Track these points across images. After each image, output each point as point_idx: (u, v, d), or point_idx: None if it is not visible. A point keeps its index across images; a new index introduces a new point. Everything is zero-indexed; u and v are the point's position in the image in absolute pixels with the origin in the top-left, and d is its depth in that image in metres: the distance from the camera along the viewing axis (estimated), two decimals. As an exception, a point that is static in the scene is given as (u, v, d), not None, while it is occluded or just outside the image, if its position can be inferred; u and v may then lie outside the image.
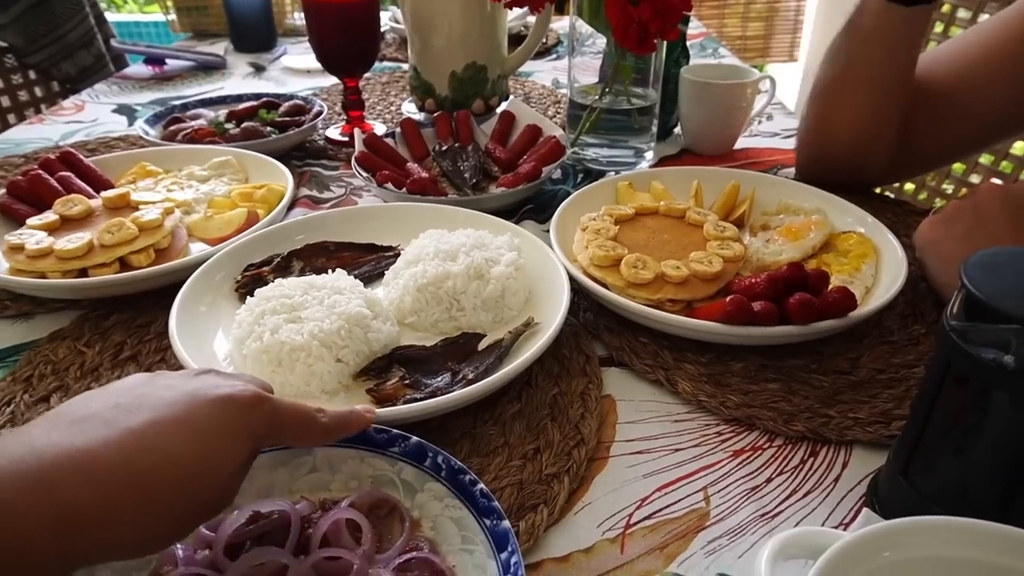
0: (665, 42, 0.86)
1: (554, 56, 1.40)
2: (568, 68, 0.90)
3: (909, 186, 1.26)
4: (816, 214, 0.68)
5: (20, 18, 1.37)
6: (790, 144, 0.97)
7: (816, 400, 0.51)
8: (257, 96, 1.04)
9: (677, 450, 0.49)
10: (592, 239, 0.61)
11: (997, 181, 1.08)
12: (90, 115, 1.13)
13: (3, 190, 0.74)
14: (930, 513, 0.38)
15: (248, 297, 0.56)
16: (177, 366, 0.52)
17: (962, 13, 1.17)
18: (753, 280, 0.55)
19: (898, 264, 0.60)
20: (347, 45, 0.92)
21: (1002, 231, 0.55)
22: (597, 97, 0.87)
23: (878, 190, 0.85)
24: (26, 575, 0.27)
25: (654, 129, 0.90)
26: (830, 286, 0.55)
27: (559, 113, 1.10)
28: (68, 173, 0.76)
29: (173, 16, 1.55)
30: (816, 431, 0.49)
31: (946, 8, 1.19)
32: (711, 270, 0.58)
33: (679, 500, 0.45)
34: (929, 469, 0.40)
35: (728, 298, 0.52)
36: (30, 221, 0.68)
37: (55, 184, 0.74)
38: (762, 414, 0.50)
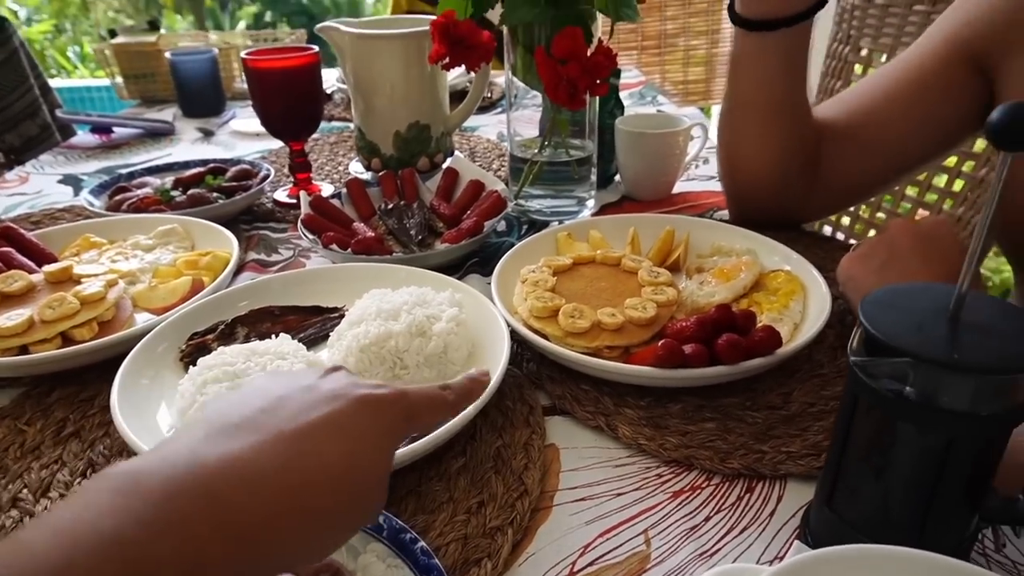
0: (597, 96, 0.90)
1: (499, 110, 1.44)
2: (507, 123, 0.93)
3: (845, 219, 1.32)
4: (747, 254, 0.72)
5: (-38, 92, 1.37)
6: (725, 186, 1.01)
7: (751, 437, 0.53)
8: (205, 162, 1.05)
9: (619, 494, 0.50)
10: (531, 291, 0.63)
11: (924, 213, 1.14)
12: (34, 186, 1.13)
13: (-59, 269, 0.73)
14: (855, 541, 0.39)
15: (191, 367, 0.56)
16: (121, 441, 0.52)
17: (880, 58, 1.25)
18: (684, 324, 0.57)
19: (823, 299, 0.63)
20: (290, 110, 0.94)
21: (913, 265, 0.58)
22: (537, 150, 0.91)
23: (819, 226, 0.89)
24: None
25: (593, 178, 0.93)
26: (758, 325, 0.58)
27: (504, 166, 1.13)
28: (9, 249, 0.76)
29: (120, 81, 1.57)
30: (751, 467, 0.51)
31: (864, 52, 1.27)
32: (645, 316, 0.60)
33: (621, 544, 0.46)
34: (851, 498, 0.42)
35: (660, 343, 0.54)
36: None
37: (-6, 261, 0.74)
38: (699, 454, 0.52)
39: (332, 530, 0.31)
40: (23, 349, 0.63)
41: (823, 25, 1.34)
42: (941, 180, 1.12)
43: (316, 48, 0.94)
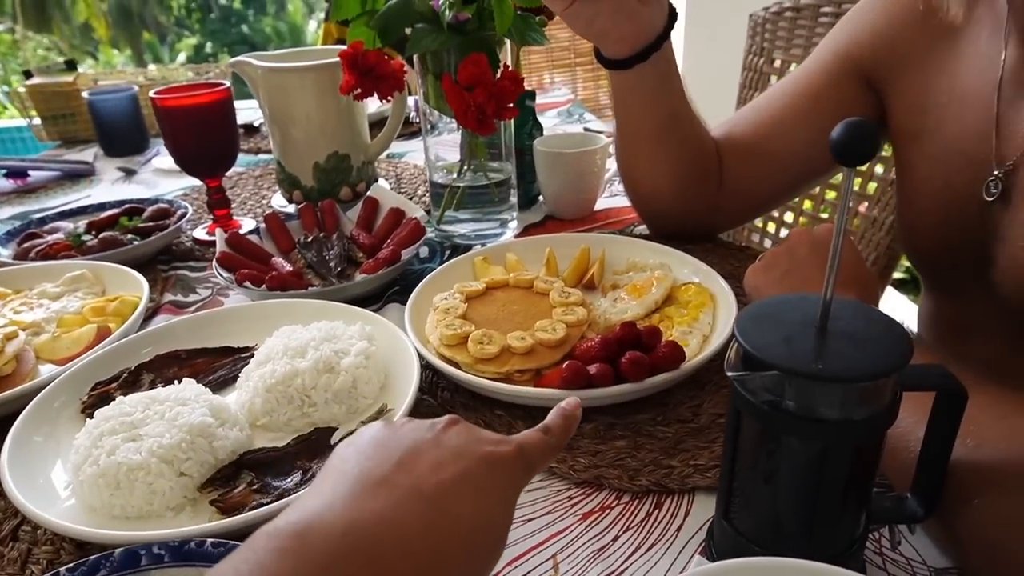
0: (512, 119, 0.91)
1: (428, 134, 1.44)
2: (424, 148, 0.93)
3: (771, 224, 1.35)
4: (659, 269, 0.73)
5: None
6: (647, 201, 1.03)
7: (660, 452, 0.54)
8: (122, 203, 1.03)
9: (529, 520, 0.50)
10: (441, 319, 0.63)
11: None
12: (-59, 238, 1.09)
13: None
14: (750, 553, 0.40)
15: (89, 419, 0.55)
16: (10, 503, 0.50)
17: (793, 68, 1.29)
18: (589, 344, 0.57)
19: (732, 310, 0.65)
20: (203, 147, 0.93)
21: (812, 273, 0.59)
22: (456, 175, 0.91)
23: (748, 233, 0.91)
24: None
25: (514, 200, 0.94)
26: (665, 339, 0.58)
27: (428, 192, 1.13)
28: (-96, 306, 0.73)
29: (38, 121, 1.52)
30: (659, 482, 0.51)
31: (778, 63, 1.31)
32: (555, 337, 0.60)
33: (529, 571, 0.46)
34: (745, 510, 0.43)
35: (564, 364, 0.54)
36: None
37: None
38: (609, 473, 0.52)
39: None
40: (-86, 411, 0.60)
41: (738, 37, 1.39)
42: (855, 183, 1.16)
43: (227, 83, 0.93)
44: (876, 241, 1.10)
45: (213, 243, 0.97)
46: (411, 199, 1.06)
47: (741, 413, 0.40)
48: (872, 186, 1.11)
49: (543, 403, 0.57)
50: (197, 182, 1.23)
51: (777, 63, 1.30)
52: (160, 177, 1.30)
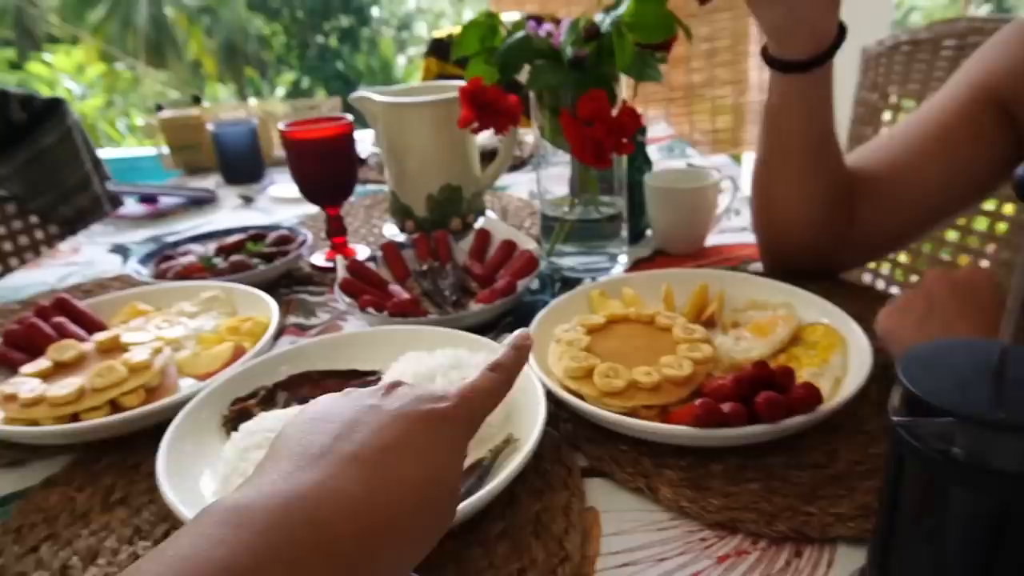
0: (628, 154, 0.91)
1: (529, 168, 1.47)
2: (537, 182, 0.95)
3: (885, 265, 1.30)
4: (783, 308, 0.71)
5: (21, 169, 1.44)
6: (758, 238, 1.01)
7: (796, 498, 0.52)
8: (245, 229, 1.09)
9: (661, 560, 0.49)
10: (565, 351, 0.64)
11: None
12: (85, 256, 1.18)
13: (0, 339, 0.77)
14: (910, 610, 0.38)
15: (234, 432, 0.57)
16: (166, 508, 0.53)
17: (909, 103, 1.25)
18: (721, 382, 0.57)
19: (864, 352, 0.62)
20: (326, 178, 0.98)
21: (953, 318, 0.57)
22: (568, 209, 0.92)
23: (859, 274, 0.88)
24: None
25: (624, 234, 0.94)
26: (797, 381, 0.57)
27: (535, 224, 1.14)
28: (62, 319, 0.79)
29: (166, 150, 1.64)
30: (798, 530, 0.50)
31: (893, 99, 1.27)
32: (682, 374, 0.59)
33: (666, 613, 0.45)
34: (904, 564, 0.41)
35: (698, 402, 0.54)
36: (23, 369, 0.70)
37: (49, 331, 0.76)
38: (744, 516, 0.51)
39: (416, 543, 0.33)
40: (74, 417, 0.65)
41: (849, 71, 1.36)
42: (982, 223, 1.10)
43: (350, 117, 0.98)
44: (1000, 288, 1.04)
45: (329, 269, 1.01)
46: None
47: (903, 462, 0.38)
48: (1002, 226, 1.06)
49: (672, 440, 0.56)
50: (311, 210, 1.30)
51: (893, 98, 1.26)
52: (276, 205, 1.37)
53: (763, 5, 0.70)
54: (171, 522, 0.55)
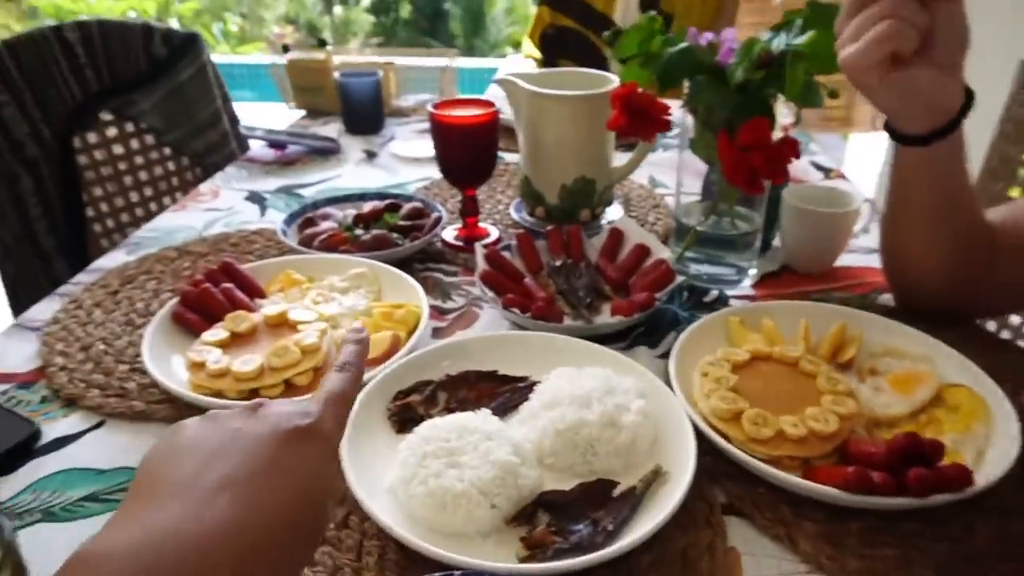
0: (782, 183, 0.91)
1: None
2: (676, 186, 0.96)
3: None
4: (923, 362, 0.72)
5: (160, 102, 1.51)
6: (887, 263, 1.01)
7: (935, 572, 0.55)
8: (379, 195, 1.14)
9: (801, 613, 0.53)
10: (713, 388, 0.67)
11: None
12: (225, 202, 1.25)
13: (177, 299, 0.84)
14: None
15: (401, 428, 0.66)
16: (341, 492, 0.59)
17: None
18: (872, 450, 0.59)
19: (1008, 424, 0.63)
20: (469, 162, 1.01)
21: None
22: (703, 218, 0.93)
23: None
24: None
25: (757, 247, 0.95)
26: (945, 455, 0.59)
27: (659, 219, 1.15)
28: (230, 285, 0.85)
29: (290, 90, 1.68)
30: (936, 604, 0.53)
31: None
32: (828, 429, 0.62)
33: (807, 668, 0.50)
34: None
35: (850, 469, 0.57)
36: (205, 336, 0.77)
37: (220, 297, 0.83)
38: (881, 582, 0.54)
39: (293, 559, 0.34)
40: (253, 392, 0.72)
41: (989, 83, 1.29)
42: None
43: (496, 106, 1.00)
44: None
45: (460, 248, 1.05)
46: (643, 225, 1.09)
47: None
48: None
49: (815, 496, 0.59)
50: (434, 174, 1.33)
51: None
52: (398, 163, 1.41)
53: (873, 90, 0.68)
54: (347, 507, 0.62)
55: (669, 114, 0.90)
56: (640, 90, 0.87)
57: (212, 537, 0.30)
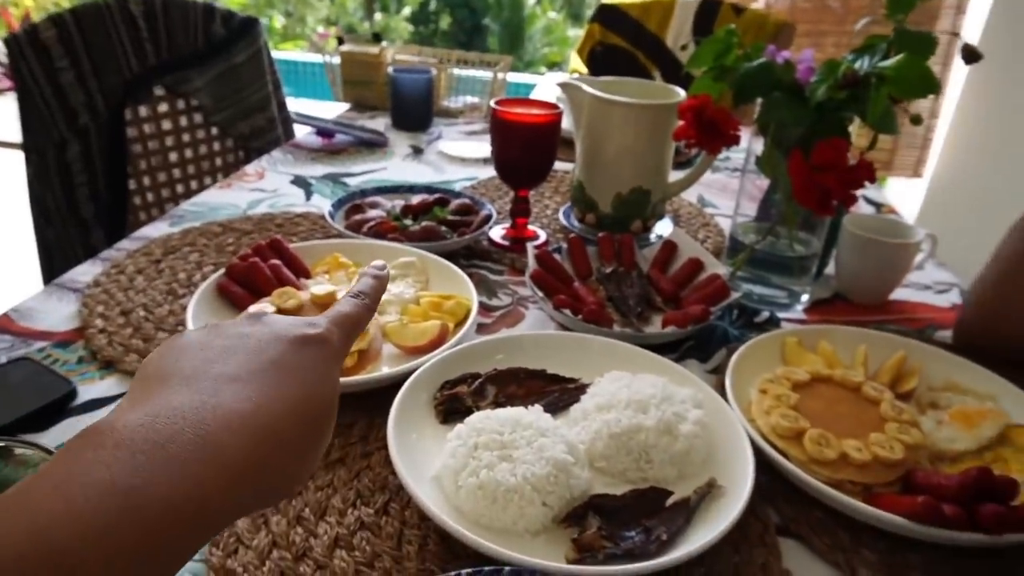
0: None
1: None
2: (736, 202, 0.94)
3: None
4: (989, 400, 0.70)
5: (212, 82, 1.52)
6: (942, 300, 0.98)
7: (999, 611, 0.53)
8: (428, 189, 1.13)
9: (860, 644, 0.51)
10: (774, 406, 0.65)
11: None
12: (270, 184, 1.25)
13: (223, 271, 0.83)
14: None
15: (451, 417, 0.64)
16: (383, 476, 0.57)
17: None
18: (942, 481, 0.57)
19: (1080, 471, 0.61)
20: (527, 162, 0.99)
21: None
22: (760, 238, 0.91)
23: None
24: (203, 528, 0.29)
25: (812, 272, 0.93)
26: (1020, 493, 0.56)
27: (708, 237, 1.14)
28: (277, 261, 0.85)
29: (339, 84, 1.69)
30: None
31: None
32: (893, 457, 0.60)
33: None
34: None
35: (920, 499, 0.54)
36: (252, 310, 0.76)
37: (268, 272, 0.82)
38: (946, 619, 0.52)
39: (299, 460, 0.34)
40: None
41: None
42: None
43: (560, 108, 0.99)
44: None
45: (507, 247, 1.04)
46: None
47: None
48: None
49: (879, 524, 0.57)
50: (480, 174, 1.32)
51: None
52: (444, 162, 1.40)
53: None
54: (387, 494, 0.60)
55: (739, 129, 0.89)
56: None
57: (227, 419, 0.31)
